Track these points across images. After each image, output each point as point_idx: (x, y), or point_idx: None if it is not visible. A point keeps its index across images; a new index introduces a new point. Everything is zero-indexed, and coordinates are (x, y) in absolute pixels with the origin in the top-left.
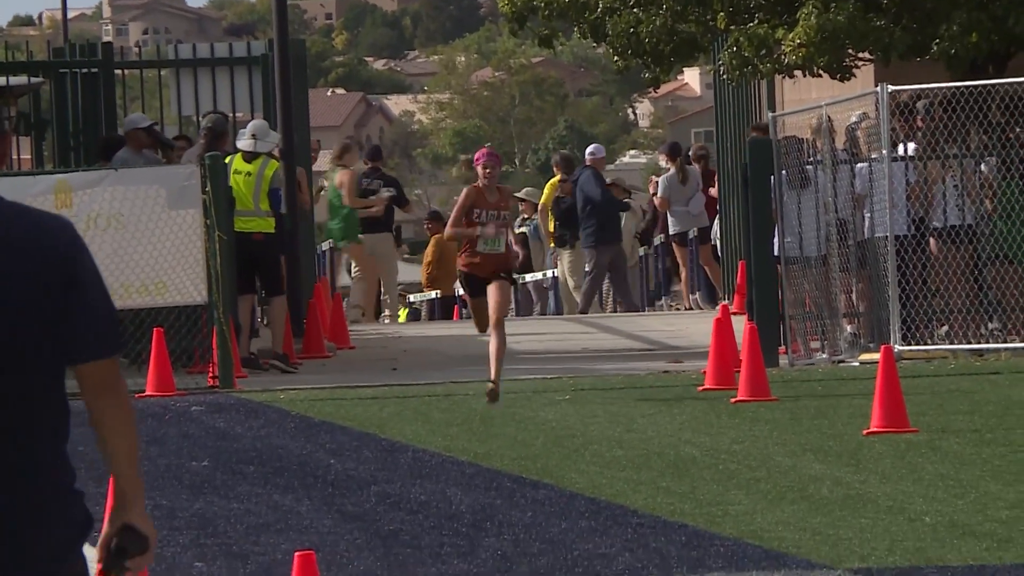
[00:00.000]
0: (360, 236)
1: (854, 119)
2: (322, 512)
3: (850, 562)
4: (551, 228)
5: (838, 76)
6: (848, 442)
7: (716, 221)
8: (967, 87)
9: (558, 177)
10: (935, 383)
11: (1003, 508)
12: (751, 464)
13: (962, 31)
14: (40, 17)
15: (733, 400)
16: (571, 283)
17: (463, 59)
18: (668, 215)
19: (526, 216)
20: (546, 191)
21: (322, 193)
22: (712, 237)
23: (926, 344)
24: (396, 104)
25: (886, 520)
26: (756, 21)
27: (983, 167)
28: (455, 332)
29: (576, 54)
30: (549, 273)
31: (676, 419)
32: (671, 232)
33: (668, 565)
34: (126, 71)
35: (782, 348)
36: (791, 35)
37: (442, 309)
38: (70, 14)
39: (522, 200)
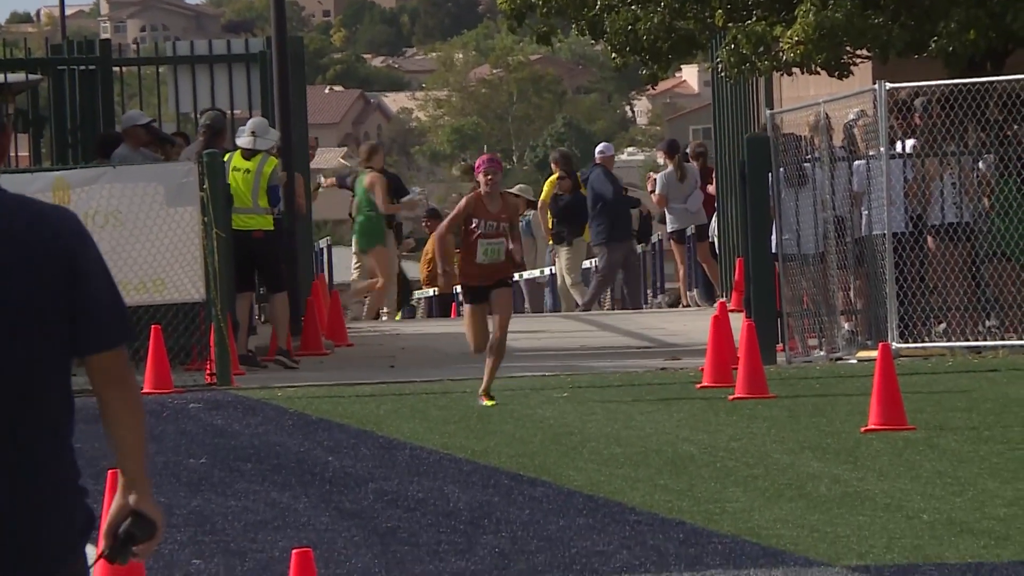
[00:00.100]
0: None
1: (852, 116)
2: (320, 509)
3: (848, 559)
4: (549, 225)
5: (836, 73)
6: (846, 439)
7: (714, 218)
8: (965, 84)
9: (556, 175)
10: (933, 380)
11: (1001, 505)
12: (749, 461)
13: (960, 28)
14: (38, 14)
15: (731, 397)
16: (569, 280)
17: (461, 56)
18: (666, 212)
19: (520, 212)
20: (545, 188)
21: (320, 191)
22: (710, 234)
23: (924, 342)
24: (394, 101)
25: (884, 517)
26: (754, 18)
27: (981, 164)
28: (453, 330)
29: (574, 51)
30: (547, 270)
31: (674, 416)
32: (669, 229)
33: (666, 562)
34: (124, 68)
35: (780, 346)
36: (789, 32)
37: (439, 307)
38: (68, 11)
39: (515, 196)
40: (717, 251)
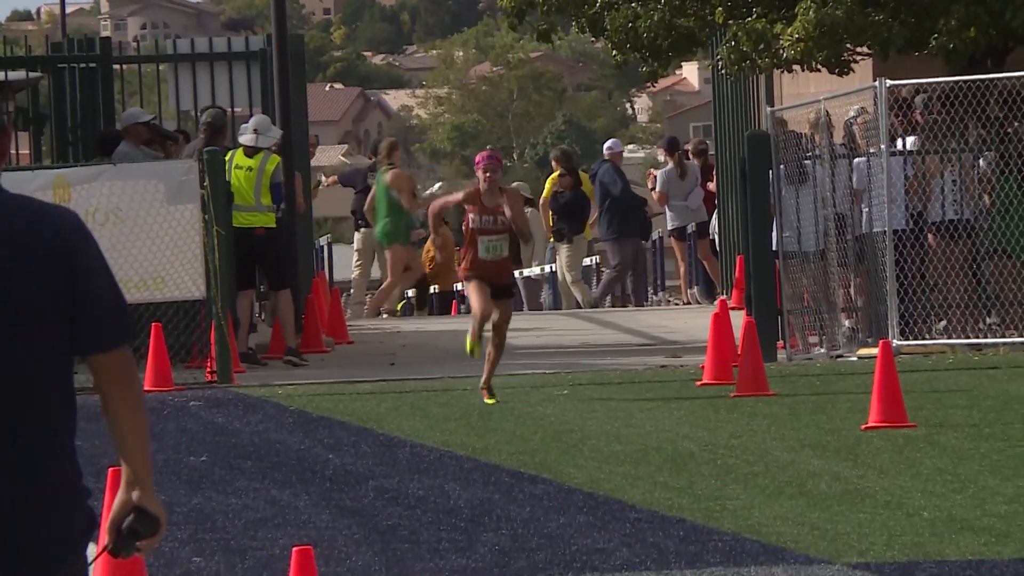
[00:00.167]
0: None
1: (852, 114)
2: (320, 507)
3: (848, 557)
4: (550, 222)
5: (836, 71)
6: (846, 437)
7: (714, 216)
8: (965, 82)
9: (557, 172)
10: (933, 378)
11: (1001, 503)
12: (749, 459)
13: (960, 26)
14: (38, 12)
15: (731, 395)
16: (569, 277)
17: (461, 54)
18: (667, 210)
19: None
20: (547, 186)
21: (320, 188)
22: (710, 232)
23: (924, 339)
24: (394, 99)
25: (884, 515)
26: (754, 15)
27: (981, 162)
28: (453, 327)
29: (574, 49)
30: (547, 268)
31: (674, 414)
32: (669, 227)
33: (666, 560)
34: (124, 66)
35: (780, 343)
36: (789, 30)
37: (440, 304)
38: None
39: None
40: (718, 248)
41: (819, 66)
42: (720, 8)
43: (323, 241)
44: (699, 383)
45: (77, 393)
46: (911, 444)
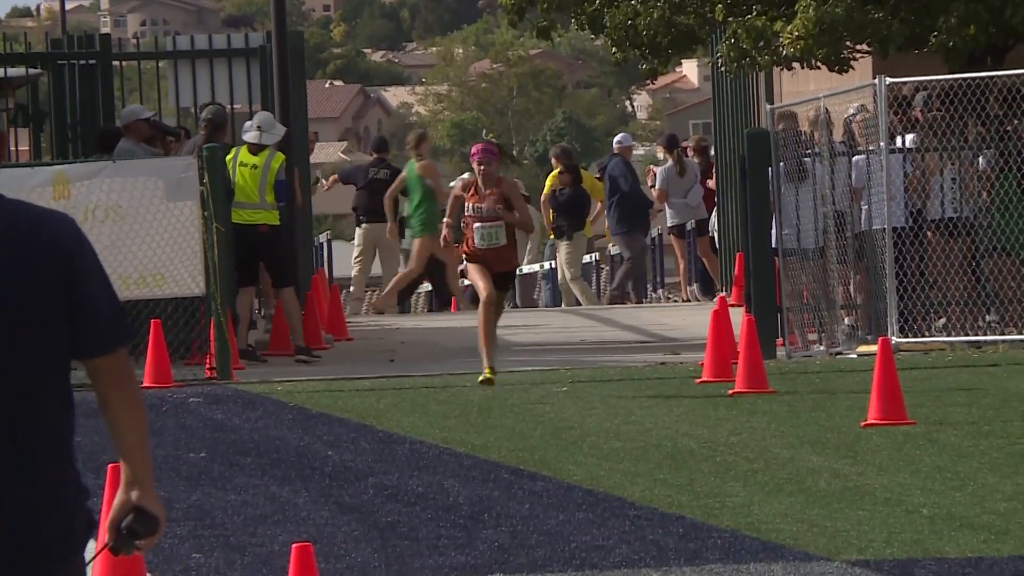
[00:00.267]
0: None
1: (851, 111)
2: (319, 504)
3: (847, 554)
4: (550, 219)
5: (836, 68)
6: (846, 434)
7: (714, 213)
8: (965, 79)
9: (557, 169)
10: (933, 375)
11: (1000, 500)
12: (748, 456)
13: (960, 23)
14: (38, 8)
15: (731, 392)
16: (569, 275)
17: (461, 51)
18: (666, 207)
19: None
20: (546, 184)
21: (319, 186)
22: (710, 229)
23: (924, 336)
24: (394, 96)
25: (883, 512)
26: (754, 13)
27: (981, 159)
28: (453, 324)
29: (574, 46)
30: (546, 265)
31: (674, 411)
32: (669, 224)
33: (665, 557)
34: (124, 63)
35: (780, 340)
36: (789, 27)
37: (439, 301)
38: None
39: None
40: (717, 246)
41: (819, 64)
42: (720, 5)
43: (323, 238)
44: (698, 380)
45: (76, 390)
46: (910, 441)
